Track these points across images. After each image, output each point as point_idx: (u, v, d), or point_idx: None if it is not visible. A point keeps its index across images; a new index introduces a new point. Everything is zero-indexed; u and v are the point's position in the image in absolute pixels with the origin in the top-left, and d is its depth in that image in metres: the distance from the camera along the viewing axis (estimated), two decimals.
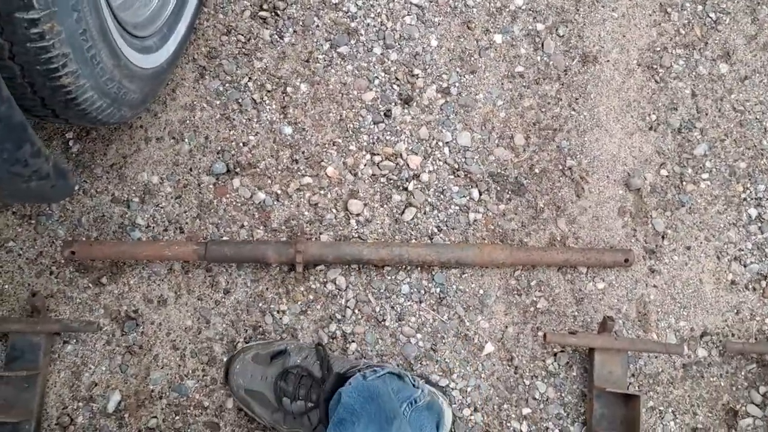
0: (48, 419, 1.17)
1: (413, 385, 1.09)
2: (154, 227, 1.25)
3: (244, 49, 1.33)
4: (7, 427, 1.11)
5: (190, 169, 1.28)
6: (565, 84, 1.35)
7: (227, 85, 1.31)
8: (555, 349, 1.23)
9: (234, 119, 1.30)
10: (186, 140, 1.28)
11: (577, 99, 1.34)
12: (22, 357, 1.15)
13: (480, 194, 1.28)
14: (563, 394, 1.22)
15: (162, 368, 1.20)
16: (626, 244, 1.28)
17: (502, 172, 1.30)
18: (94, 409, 1.18)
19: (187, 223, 1.25)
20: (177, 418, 1.18)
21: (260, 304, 1.23)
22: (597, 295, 1.26)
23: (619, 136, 1.33)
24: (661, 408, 1.22)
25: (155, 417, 1.18)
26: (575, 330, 1.22)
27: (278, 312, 1.22)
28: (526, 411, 1.21)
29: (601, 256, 1.22)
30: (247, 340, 1.21)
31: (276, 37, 1.34)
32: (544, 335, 1.15)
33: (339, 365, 1.12)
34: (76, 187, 1.25)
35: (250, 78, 1.31)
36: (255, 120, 1.30)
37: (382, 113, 1.31)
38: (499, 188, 1.29)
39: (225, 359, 1.19)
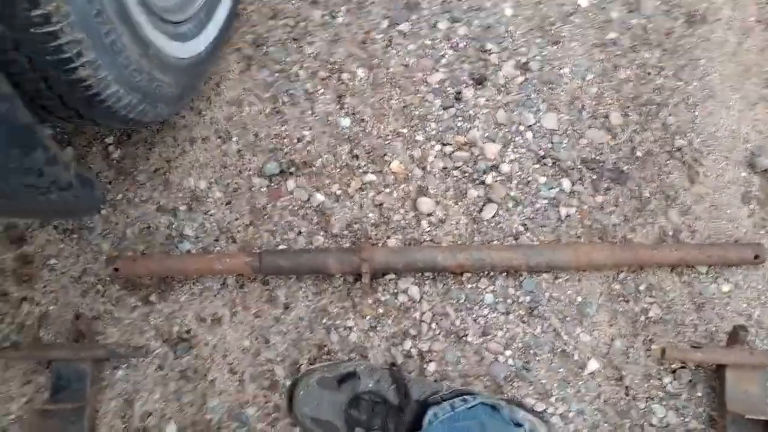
0: None
1: (512, 422, 0.92)
2: (203, 237, 1.13)
3: (293, 34, 1.21)
4: None
5: (240, 171, 1.15)
6: (669, 50, 1.16)
7: (276, 75, 1.18)
8: (673, 366, 1.04)
9: (285, 113, 1.17)
10: (234, 139, 1.15)
11: (683, 67, 1.16)
12: (69, 387, 1.06)
13: (572, 185, 1.12)
14: (687, 419, 1.03)
15: (220, 395, 1.09)
16: (754, 237, 1.10)
17: (598, 157, 1.13)
18: None
19: (239, 231, 1.13)
20: None
21: (324, 320, 1.10)
22: (721, 299, 1.07)
23: (739, 108, 1.14)
24: None
25: None
26: (699, 343, 1.03)
27: (344, 329, 1.09)
28: None
29: (725, 252, 1.06)
30: (311, 362, 1.08)
31: (328, 17, 1.21)
32: (662, 350, 0.97)
33: (417, 390, 0.99)
34: (119, 196, 1.15)
35: (301, 66, 1.19)
36: (309, 113, 1.17)
37: (451, 97, 1.17)
38: (594, 177, 1.12)
39: (288, 384, 1.06)
